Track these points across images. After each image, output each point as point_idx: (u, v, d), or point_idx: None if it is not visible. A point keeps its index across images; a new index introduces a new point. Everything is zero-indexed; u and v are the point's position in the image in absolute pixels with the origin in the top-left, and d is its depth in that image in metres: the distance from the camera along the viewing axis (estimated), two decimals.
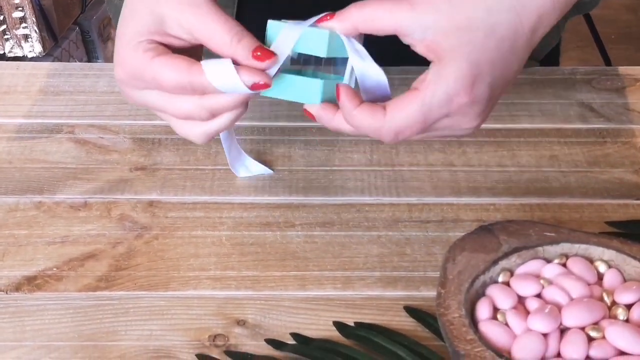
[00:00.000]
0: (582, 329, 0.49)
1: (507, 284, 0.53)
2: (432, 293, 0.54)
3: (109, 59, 1.82)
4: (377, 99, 0.54)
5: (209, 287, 0.59)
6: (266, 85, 0.53)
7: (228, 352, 0.54)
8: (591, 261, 0.54)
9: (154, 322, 0.56)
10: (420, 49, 0.52)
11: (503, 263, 0.54)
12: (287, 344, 0.54)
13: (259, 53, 0.52)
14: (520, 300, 0.52)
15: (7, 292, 0.58)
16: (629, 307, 0.50)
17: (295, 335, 0.55)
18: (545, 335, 0.49)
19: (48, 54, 1.64)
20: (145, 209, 0.65)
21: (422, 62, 0.53)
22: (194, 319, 0.56)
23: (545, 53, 0.85)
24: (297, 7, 0.60)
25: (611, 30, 2.52)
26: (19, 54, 1.62)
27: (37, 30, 1.58)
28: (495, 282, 0.53)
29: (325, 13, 0.53)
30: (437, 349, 0.53)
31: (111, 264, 0.60)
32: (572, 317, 0.49)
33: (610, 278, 0.53)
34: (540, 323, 0.49)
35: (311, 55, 0.54)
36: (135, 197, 0.66)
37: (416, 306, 0.57)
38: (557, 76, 0.80)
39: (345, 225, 0.64)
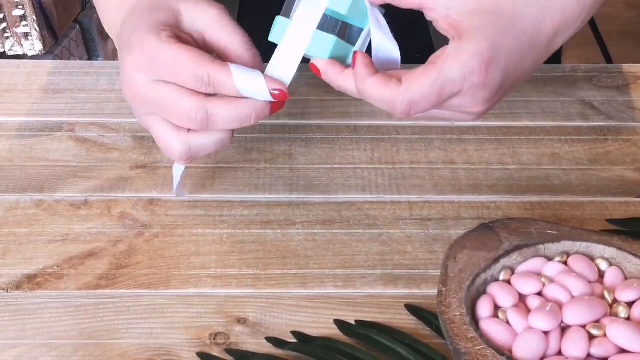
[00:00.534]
0: (583, 327, 0.49)
1: (508, 282, 0.53)
2: (433, 291, 0.54)
3: (110, 57, 1.82)
4: None
5: (210, 285, 0.59)
6: (285, 96, 0.55)
7: (229, 351, 0.54)
8: (592, 259, 0.54)
9: (155, 320, 0.56)
10: (442, 24, 0.53)
11: (504, 261, 0.54)
12: (288, 342, 0.54)
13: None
14: (521, 298, 0.52)
15: (7, 291, 0.58)
16: (630, 305, 0.50)
17: (296, 334, 0.55)
18: (546, 333, 0.49)
19: (48, 53, 1.63)
20: (145, 207, 0.65)
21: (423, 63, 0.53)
22: (194, 318, 0.56)
23: None
24: None
25: (612, 28, 2.52)
26: (19, 52, 1.62)
27: (38, 29, 1.58)
28: (496, 280, 0.53)
29: None
30: (438, 347, 0.53)
31: (112, 263, 0.60)
32: (573, 315, 0.49)
33: (612, 276, 0.53)
34: (541, 321, 0.49)
35: (326, 20, 0.54)
36: (136, 195, 0.66)
37: (417, 304, 0.57)
38: (558, 74, 0.80)
39: (346, 223, 0.64)
